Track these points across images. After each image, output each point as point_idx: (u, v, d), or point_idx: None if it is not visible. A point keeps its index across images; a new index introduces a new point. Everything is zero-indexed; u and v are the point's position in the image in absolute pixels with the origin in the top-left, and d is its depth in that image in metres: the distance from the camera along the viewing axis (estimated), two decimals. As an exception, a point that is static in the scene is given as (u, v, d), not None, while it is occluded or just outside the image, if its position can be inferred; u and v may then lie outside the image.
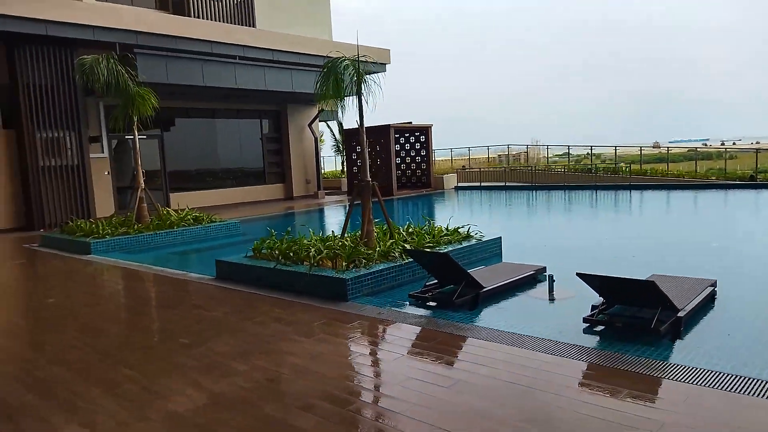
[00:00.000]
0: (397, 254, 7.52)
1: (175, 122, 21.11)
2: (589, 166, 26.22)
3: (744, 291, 6.54)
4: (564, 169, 27.02)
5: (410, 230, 9.09)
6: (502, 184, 25.65)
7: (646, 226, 13.23)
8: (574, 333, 5.16)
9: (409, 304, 6.40)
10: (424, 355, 4.76)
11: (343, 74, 8.43)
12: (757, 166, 21.82)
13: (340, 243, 7.56)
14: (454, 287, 6.44)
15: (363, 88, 8.63)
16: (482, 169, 27.89)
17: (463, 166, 31.36)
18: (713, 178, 22.16)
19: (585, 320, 5.31)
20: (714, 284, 6.28)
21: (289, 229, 9.02)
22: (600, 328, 5.27)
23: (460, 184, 25.93)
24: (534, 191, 22.86)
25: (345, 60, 8.53)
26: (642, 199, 18.26)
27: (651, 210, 16.38)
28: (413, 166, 25.93)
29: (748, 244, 9.88)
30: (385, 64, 23.42)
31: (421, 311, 6.14)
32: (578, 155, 35.77)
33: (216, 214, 14.68)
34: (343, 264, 7.04)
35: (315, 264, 7.22)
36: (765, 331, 5.04)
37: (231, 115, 22.77)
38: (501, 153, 34.40)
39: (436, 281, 6.79)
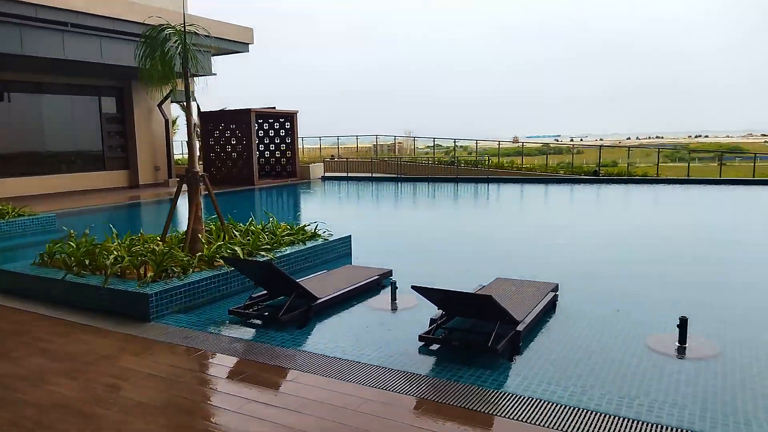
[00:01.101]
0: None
1: (-14, 96, 17.82)
2: (453, 159, 26.72)
3: (585, 295, 6.40)
4: (429, 161, 27.32)
5: (250, 228, 8.03)
6: (369, 175, 25.27)
7: (499, 223, 13.35)
8: (408, 355, 4.52)
9: (229, 323, 5.40)
10: (226, 401, 3.81)
11: (163, 46, 7.15)
12: (600, 161, 23.53)
13: (151, 247, 6.31)
14: (285, 298, 5.56)
15: (192, 64, 7.41)
16: (349, 160, 27.30)
17: (332, 156, 30.57)
18: (562, 172, 23.54)
19: (421, 338, 4.70)
20: (556, 289, 6.04)
21: (87, 229, 7.38)
22: (436, 346, 4.69)
23: (327, 175, 25.11)
24: (399, 183, 22.72)
25: (168, 29, 7.24)
26: (499, 193, 18.76)
27: (506, 204, 16.80)
28: (278, 154, 24.60)
29: (591, 240, 10.15)
30: (248, 44, 21.80)
31: (242, 331, 5.17)
32: (447, 147, 36.60)
33: (28, 206, 12.39)
34: (150, 274, 5.84)
35: (117, 274, 5.93)
36: (607, 346, 4.77)
37: (62, 90, 19.78)
38: (382, 143, 34.09)
39: (264, 292, 5.86)
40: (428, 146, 36.65)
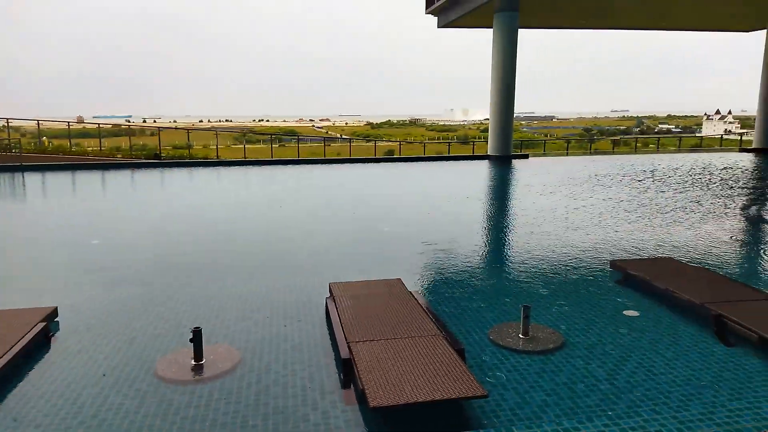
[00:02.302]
0: None
1: None
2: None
3: (86, 317, 5.07)
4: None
5: None
6: None
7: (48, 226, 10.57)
8: None
9: None
10: None
11: None
12: (160, 145, 22.29)
13: None
14: None
15: None
16: None
17: None
18: (119, 156, 21.29)
19: None
20: (54, 313, 4.53)
21: None
22: None
23: None
24: None
25: None
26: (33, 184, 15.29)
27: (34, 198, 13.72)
28: None
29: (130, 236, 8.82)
30: None
31: None
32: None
33: None
34: None
35: None
36: (104, 390, 3.57)
37: None
38: None
39: None
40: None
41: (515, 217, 10.32)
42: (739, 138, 27.50)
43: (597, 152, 26.98)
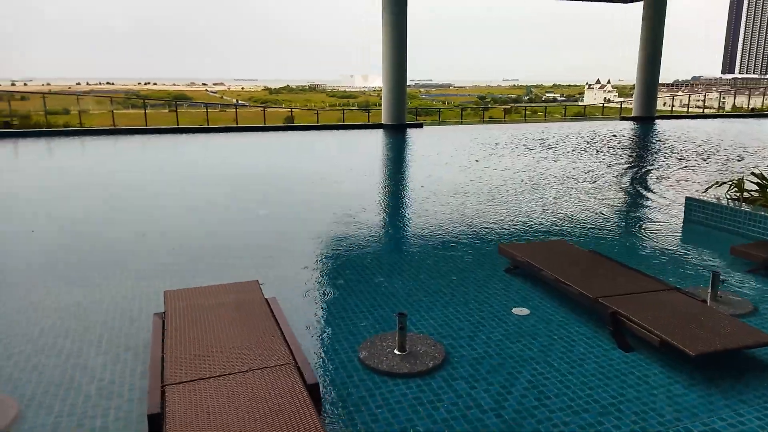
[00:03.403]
0: None
1: None
2: None
3: None
4: None
5: None
6: None
7: None
8: None
9: None
10: None
11: None
12: (10, 110, 19.25)
13: None
14: None
15: None
16: None
17: None
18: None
19: None
20: None
21: None
22: None
23: None
24: None
25: None
26: None
27: None
28: None
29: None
30: None
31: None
32: None
33: None
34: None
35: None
36: None
37: None
38: None
39: None
40: None
41: (403, 196, 9.60)
42: (619, 106, 28.89)
43: (490, 120, 27.17)
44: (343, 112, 23.86)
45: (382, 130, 19.32)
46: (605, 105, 31.56)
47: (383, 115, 19.95)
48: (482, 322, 4.13)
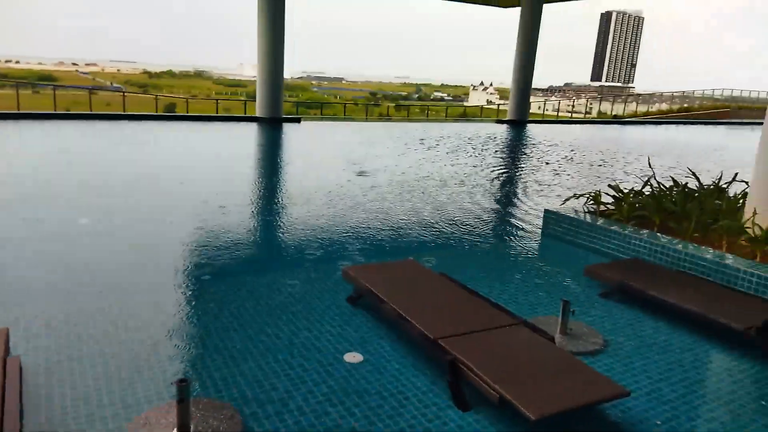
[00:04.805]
0: None
1: None
2: None
3: None
4: None
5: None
6: None
7: None
8: None
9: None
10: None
11: None
12: None
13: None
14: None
15: None
16: None
17: None
18: None
19: None
20: None
21: None
22: None
23: None
24: None
25: None
26: None
27: None
28: None
29: None
30: None
31: None
32: None
33: None
34: None
35: None
36: None
37: None
38: None
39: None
40: None
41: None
42: (497, 108, 29.82)
43: (376, 118, 26.78)
44: (217, 102, 22.21)
45: (256, 123, 18.09)
46: (484, 107, 32.51)
47: (257, 107, 18.69)
48: (304, 377, 3.38)
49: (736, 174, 7.43)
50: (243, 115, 20.37)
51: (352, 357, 3.66)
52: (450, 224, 7.34)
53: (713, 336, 4.18)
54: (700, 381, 3.62)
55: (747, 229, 5.41)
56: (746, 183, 6.54)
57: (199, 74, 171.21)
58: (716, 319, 4.12)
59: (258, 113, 18.61)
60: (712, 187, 6.91)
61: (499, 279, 5.39)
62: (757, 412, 3.21)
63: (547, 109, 31.92)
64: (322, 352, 3.69)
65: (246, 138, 15.69)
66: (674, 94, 35.12)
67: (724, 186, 6.96)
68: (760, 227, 5.28)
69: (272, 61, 18.11)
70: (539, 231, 7.04)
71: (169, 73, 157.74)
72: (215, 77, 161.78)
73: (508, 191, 9.96)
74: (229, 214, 7.29)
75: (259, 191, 9.13)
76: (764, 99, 36.64)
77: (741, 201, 6.17)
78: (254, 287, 4.79)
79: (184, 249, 5.82)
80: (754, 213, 5.49)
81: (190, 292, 4.71)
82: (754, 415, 3.15)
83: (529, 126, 23.53)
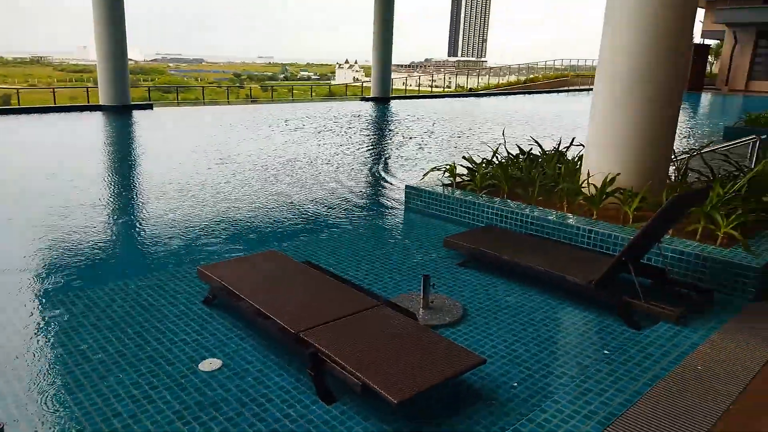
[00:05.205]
0: None
1: None
2: None
3: None
4: None
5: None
6: None
7: None
8: None
9: None
10: None
11: None
12: None
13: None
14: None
15: None
16: None
17: None
18: None
19: None
20: None
21: None
22: None
23: None
24: None
25: None
26: None
27: None
28: None
29: None
30: None
31: None
32: None
33: None
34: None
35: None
36: None
37: None
38: None
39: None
40: None
41: (101, 204, 7.88)
42: (361, 86, 29.97)
43: (237, 101, 25.62)
44: (53, 91, 19.85)
45: (100, 112, 16.44)
46: (350, 85, 32.51)
47: (101, 94, 16.99)
48: (150, 395, 3.07)
49: (573, 138, 8.06)
50: (85, 104, 18.43)
51: (209, 364, 3.40)
52: (317, 207, 7.19)
53: (561, 293, 4.48)
54: (551, 338, 3.86)
55: (583, 189, 5.87)
56: (583, 146, 7.10)
57: (36, 60, 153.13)
58: (562, 276, 4.43)
59: (102, 101, 16.92)
60: (552, 152, 7.42)
61: (366, 259, 5.35)
62: (601, 361, 3.48)
63: (410, 85, 32.72)
64: (174, 364, 3.38)
65: (87, 129, 14.21)
66: (520, 66, 37.74)
67: (564, 150, 7.50)
68: (595, 186, 5.75)
69: (113, 41, 16.48)
70: (403, 207, 7.13)
71: (2, 61, 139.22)
72: (55, 64, 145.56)
73: (373, 169, 10.01)
74: (67, 216, 6.50)
75: (100, 189, 8.26)
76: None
77: (579, 163, 6.69)
78: (93, 299, 4.29)
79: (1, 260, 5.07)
80: (589, 174, 5.97)
81: (5, 317, 4.10)
82: (599, 365, 3.41)
83: (393, 102, 23.94)
